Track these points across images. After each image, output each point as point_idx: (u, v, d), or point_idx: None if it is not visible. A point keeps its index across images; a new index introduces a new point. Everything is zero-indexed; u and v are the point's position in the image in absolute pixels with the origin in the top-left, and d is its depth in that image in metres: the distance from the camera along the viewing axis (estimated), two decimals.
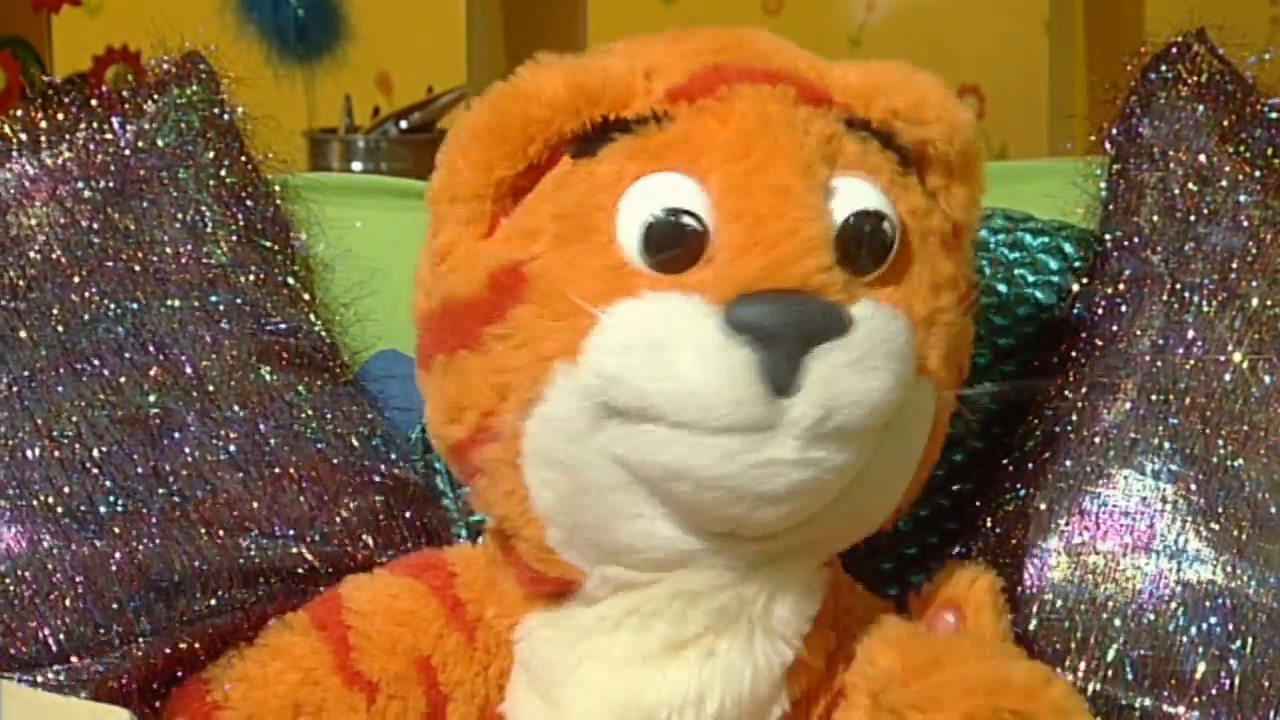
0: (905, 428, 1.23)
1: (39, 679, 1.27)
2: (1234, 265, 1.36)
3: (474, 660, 1.31)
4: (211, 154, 1.50)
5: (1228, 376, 1.33)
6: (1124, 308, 1.41)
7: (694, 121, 1.25)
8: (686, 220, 1.21)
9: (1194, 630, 1.32)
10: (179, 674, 1.34)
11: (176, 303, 1.43)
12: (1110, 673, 1.36)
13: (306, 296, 1.50)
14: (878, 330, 1.19)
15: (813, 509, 1.21)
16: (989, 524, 1.40)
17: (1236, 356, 1.33)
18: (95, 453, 1.39)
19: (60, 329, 1.43)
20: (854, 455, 1.19)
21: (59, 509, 1.37)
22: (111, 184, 1.47)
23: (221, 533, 1.38)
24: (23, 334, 1.42)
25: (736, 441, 1.18)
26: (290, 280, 1.49)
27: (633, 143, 1.25)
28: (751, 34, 1.32)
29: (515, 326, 1.24)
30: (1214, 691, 1.34)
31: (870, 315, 1.18)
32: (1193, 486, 1.32)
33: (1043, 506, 1.39)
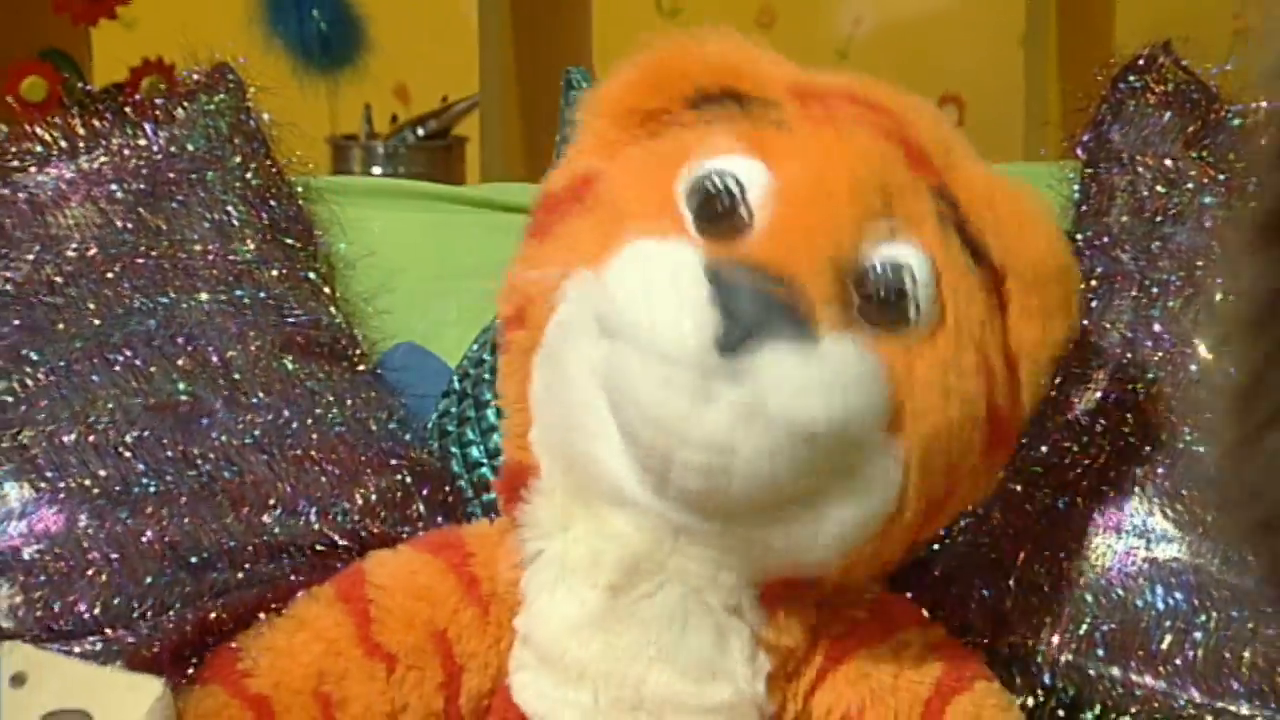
0: (863, 483, 1.24)
1: (76, 649, 1.28)
2: (1199, 263, 1.36)
3: (487, 633, 1.31)
4: (238, 158, 1.50)
5: (1193, 368, 1.33)
6: (1095, 303, 1.41)
7: (800, 120, 1.28)
8: (735, 196, 1.23)
9: (1160, 605, 1.32)
10: (209, 643, 1.34)
11: (205, 297, 1.43)
12: (1083, 645, 1.36)
13: (327, 291, 1.50)
14: (842, 359, 1.20)
15: (730, 499, 1.23)
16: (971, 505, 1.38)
17: (1201, 349, 1.33)
18: (128, 437, 1.38)
19: (96, 322, 1.42)
20: (776, 450, 1.20)
21: (94, 490, 1.36)
22: (144, 186, 1.47)
23: (248, 511, 1.38)
24: (60, 326, 1.41)
25: (677, 375, 1.20)
26: (312, 276, 1.49)
27: (741, 120, 1.28)
28: (916, 106, 1.33)
29: (568, 226, 1.28)
30: (1179, 662, 1.33)
31: (843, 347, 1.20)
32: (1159, 470, 1.32)
33: (1019, 488, 1.39)
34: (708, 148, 1.27)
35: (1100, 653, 1.35)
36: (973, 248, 1.28)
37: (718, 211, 1.24)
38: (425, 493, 1.42)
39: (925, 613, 1.37)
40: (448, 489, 1.44)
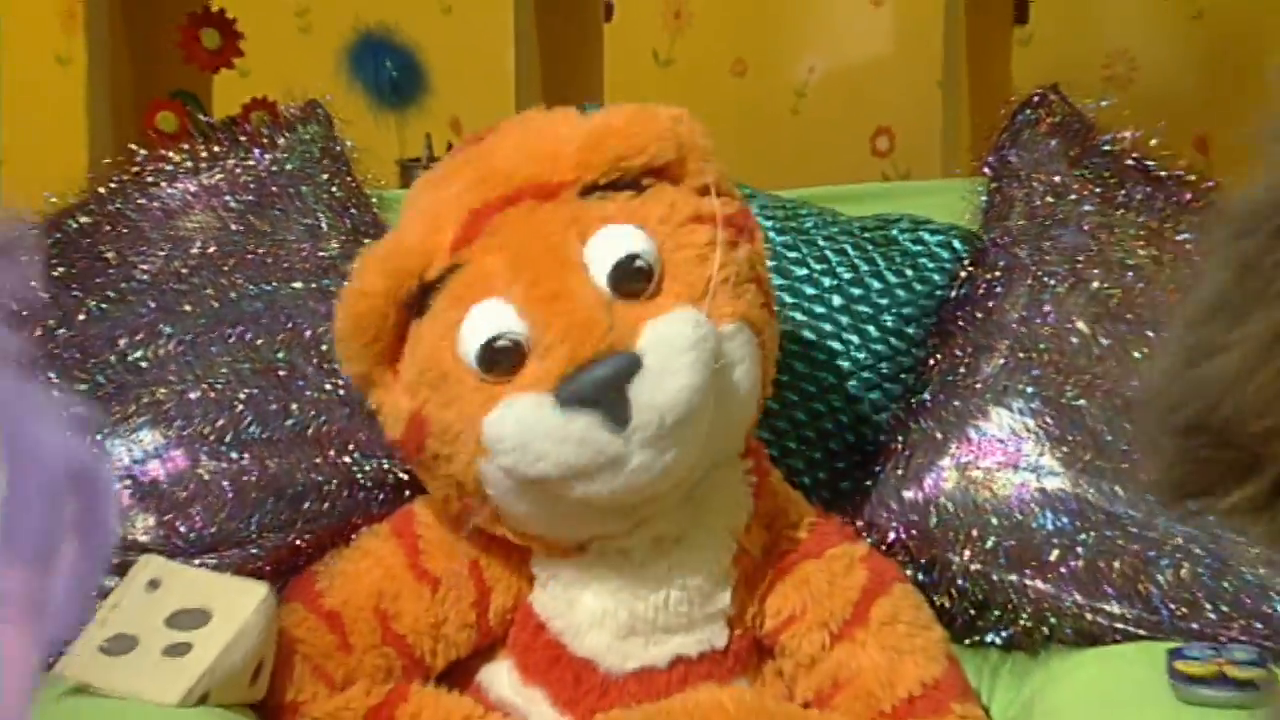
0: (734, 362, 1.26)
1: (197, 561, 1.28)
2: (1079, 258, 1.39)
3: (509, 563, 1.31)
4: (326, 175, 1.48)
5: (1075, 340, 1.35)
6: (998, 289, 1.40)
7: (481, 261, 1.28)
8: (502, 342, 1.24)
9: (1049, 526, 1.30)
10: (297, 564, 1.36)
11: (299, 285, 1.42)
12: (988, 557, 1.35)
13: None
14: (664, 343, 1.21)
15: (689, 461, 1.25)
16: (900, 447, 1.41)
17: (1081, 325, 1.35)
18: (240, 394, 1.37)
19: (214, 304, 1.41)
20: (685, 446, 1.23)
21: (212, 437, 1.35)
22: (252, 197, 1.46)
23: (332, 453, 1.37)
24: (186, 308, 1.40)
25: (608, 476, 1.22)
26: None
27: (447, 293, 1.27)
28: (498, 147, 1.33)
29: (433, 454, 1.28)
30: (1063, 571, 1.33)
31: (656, 336, 1.22)
32: (1049, 420, 1.33)
33: (939, 435, 1.38)
34: (454, 332, 1.28)
35: (1002, 563, 1.33)
36: (615, 185, 1.30)
37: (503, 362, 1.25)
38: None
39: (856, 532, 1.38)
40: None
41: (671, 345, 1.21)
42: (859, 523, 1.38)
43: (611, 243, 1.26)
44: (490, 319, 1.25)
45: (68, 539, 0.77)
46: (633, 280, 1.26)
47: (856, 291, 1.45)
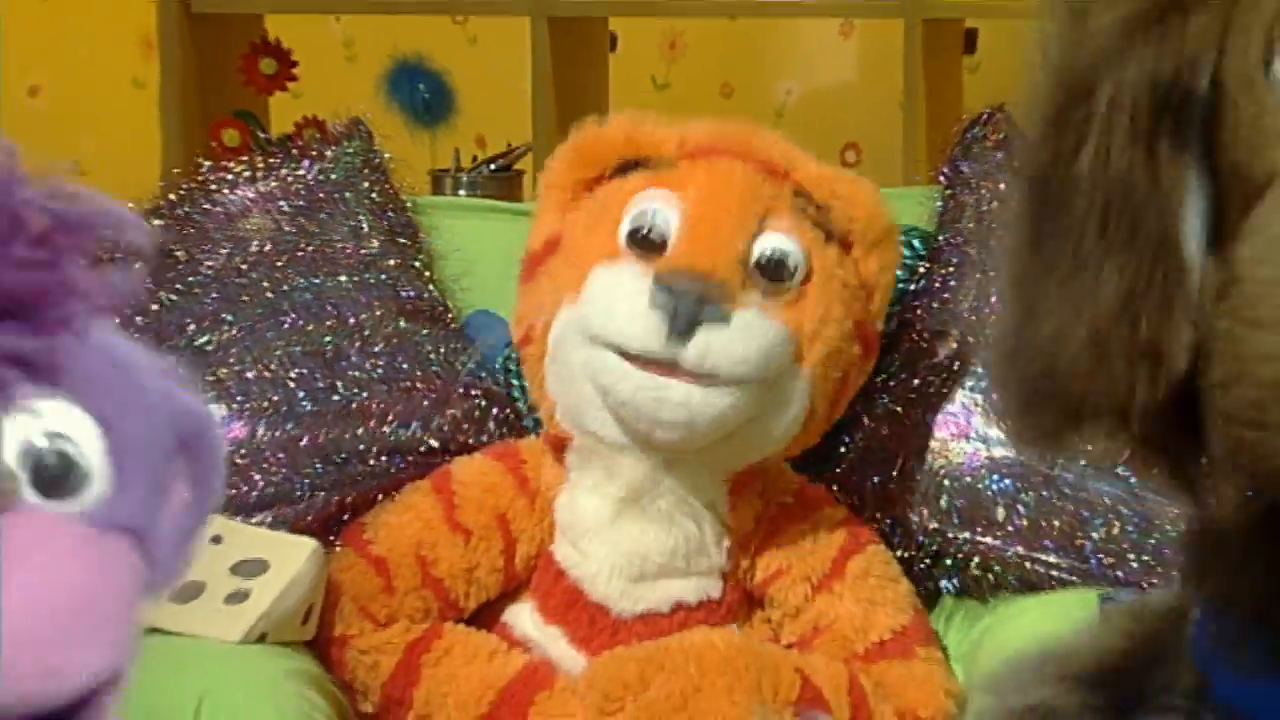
0: (781, 397, 1.25)
1: (254, 519, 1.27)
2: None
3: (533, 517, 1.30)
4: (367, 184, 1.46)
5: None
6: (951, 282, 1.37)
7: (691, 167, 1.27)
8: (656, 226, 1.22)
9: (995, 488, 1.28)
10: (342, 520, 1.35)
11: (344, 278, 1.41)
12: (944, 517, 1.35)
13: (428, 274, 1.45)
14: (751, 325, 1.20)
15: (699, 441, 1.23)
16: (866, 421, 1.38)
17: None
18: (292, 373, 1.34)
19: (269, 295, 1.40)
20: (725, 404, 1.21)
21: (269, 409, 1.33)
22: (302, 203, 1.44)
23: (373, 424, 1.35)
24: (245, 299, 1.40)
25: (646, 378, 1.20)
26: (417, 264, 1.45)
27: (651, 174, 1.27)
28: (758, 132, 1.34)
29: (550, 271, 1.26)
30: (1009, 528, 1.31)
31: (752, 315, 1.20)
32: (994, 396, 1.31)
33: (899, 409, 1.36)
34: (628, 198, 1.27)
35: (955, 521, 1.31)
36: (824, 222, 1.28)
37: (645, 239, 1.24)
38: (495, 413, 1.38)
39: (834, 498, 1.36)
40: (509, 410, 1.39)
41: (755, 329, 1.20)
42: (835, 487, 1.38)
43: (778, 238, 1.25)
44: (661, 200, 1.25)
45: (178, 487, 0.77)
46: (774, 271, 1.25)
47: None
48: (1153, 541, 1.24)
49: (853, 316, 1.27)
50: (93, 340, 0.73)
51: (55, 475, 0.70)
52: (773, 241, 1.24)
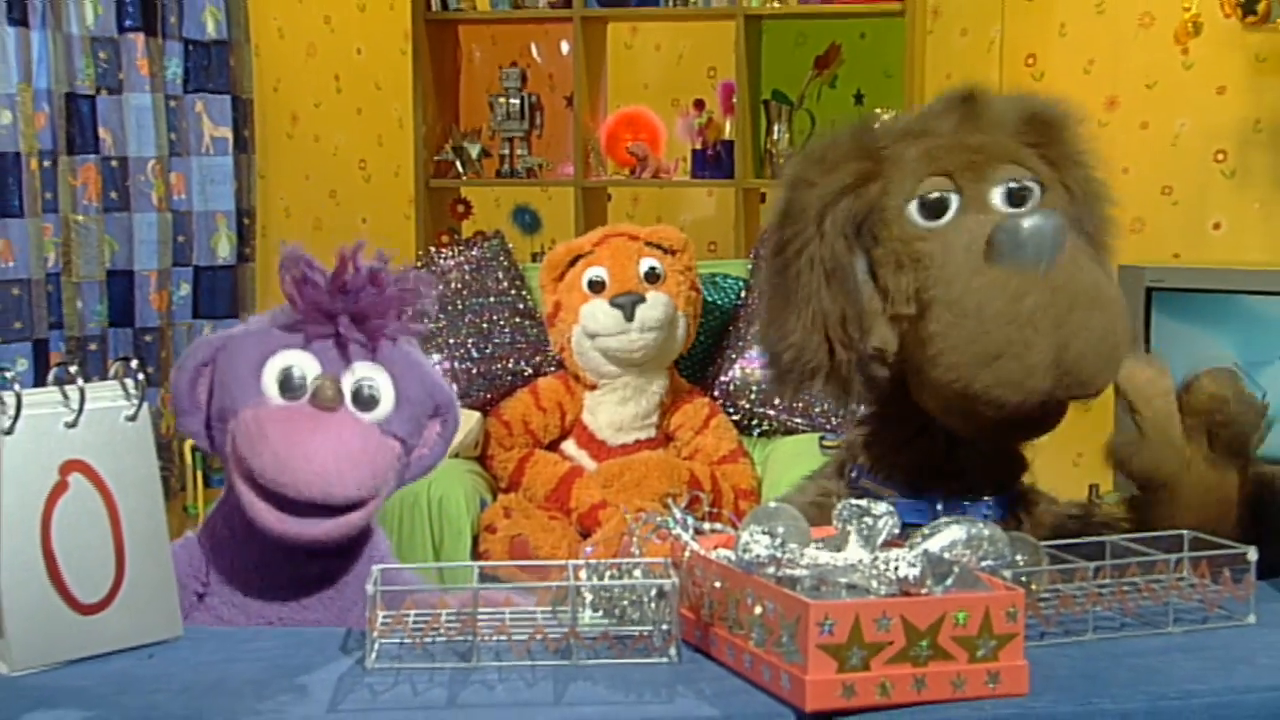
0: (674, 332, 2.03)
1: None
2: None
3: (573, 404, 2.19)
4: (503, 257, 2.34)
5: None
6: (751, 305, 2.04)
7: (599, 249, 2.03)
8: (598, 279, 1.98)
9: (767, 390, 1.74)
10: (490, 403, 2.15)
11: (492, 299, 2.27)
12: (750, 403, 2.20)
13: (529, 299, 2.29)
14: (657, 302, 2.00)
15: (644, 360, 2.01)
16: (735, 358, 2.18)
17: None
18: (469, 341, 2.22)
19: (459, 307, 2.26)
20: (653, 339, 1.98)
21: (458, 355, 2.19)
22: (470, 266, 2.31)
23: (510, 363, 2.21)
24: (442, 320, 2.25)
25: (618, 338, 2.00)
26: (526, 295, 2.28)
27: (584, 259, 2.06)
28: (620, 228, 2.08)
29: (561, 317, 2.07)
30: (779, 404, 2.16)
31: (654, 297, 2.00)
32: None
33: (741, 345, 2.19)
34: (581, 271, 1.94)
35: (756, 405, 2.21)
36: (667, 250, 2.04)
37: (596, 283, 1.91)
38: (549, 365, 2.24)
39: (705, 393, 2.12)
40: (561, 365, 2.26)
41: (658, 303, 1.95)
42: (714, 394, 2.18)
43: (651, 262, 1.93)
44: (592, 270, 1.93)
45: (433, 427, 1.11)
46: (654, 277, 1.96)
47: None
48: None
49: (685, 291, 2.02)
50: (398, 342, 1.08)
51: (364, 400, 1.05)
52: (649, 264, 2.02)
